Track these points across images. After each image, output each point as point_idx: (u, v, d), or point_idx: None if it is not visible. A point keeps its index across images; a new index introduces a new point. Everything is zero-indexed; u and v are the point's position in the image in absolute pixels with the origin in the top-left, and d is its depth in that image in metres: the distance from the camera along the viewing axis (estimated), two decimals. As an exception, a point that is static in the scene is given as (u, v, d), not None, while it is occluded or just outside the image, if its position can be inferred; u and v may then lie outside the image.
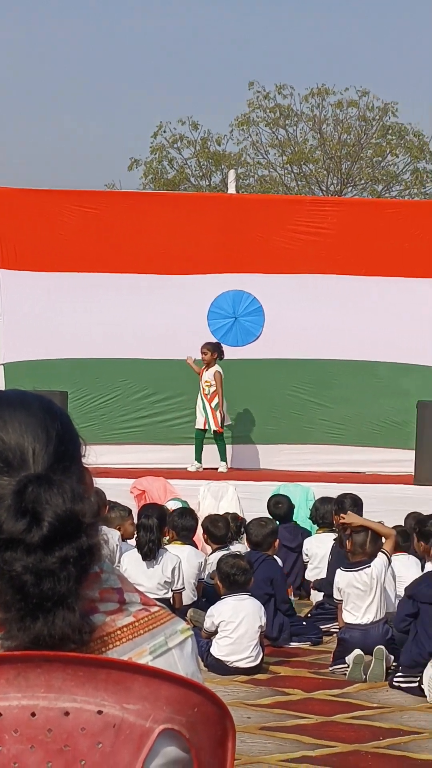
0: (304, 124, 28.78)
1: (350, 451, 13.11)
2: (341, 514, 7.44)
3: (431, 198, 27.99)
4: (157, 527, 7.32)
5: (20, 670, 1.34)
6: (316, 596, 8.50)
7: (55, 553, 1.37)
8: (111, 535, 7.93)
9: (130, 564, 7.29)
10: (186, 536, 8.16)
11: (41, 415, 1.49)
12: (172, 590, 7.41)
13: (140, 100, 45.96)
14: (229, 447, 12.63)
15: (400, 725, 5.73)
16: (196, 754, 1.41)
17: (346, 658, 6.76)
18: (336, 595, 7.08)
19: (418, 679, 6.33)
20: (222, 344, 12.65)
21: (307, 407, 13.33)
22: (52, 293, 13.20)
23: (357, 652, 6.70)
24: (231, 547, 8.47)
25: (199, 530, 8.81)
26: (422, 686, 6.29)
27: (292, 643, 7.53)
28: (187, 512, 8.46)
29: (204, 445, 12.35)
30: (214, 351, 12.34)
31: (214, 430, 12.20)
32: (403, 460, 12.21)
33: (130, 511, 8.90)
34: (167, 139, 29.11)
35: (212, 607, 6.86)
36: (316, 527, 9.26)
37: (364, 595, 6.92)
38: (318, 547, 8.78)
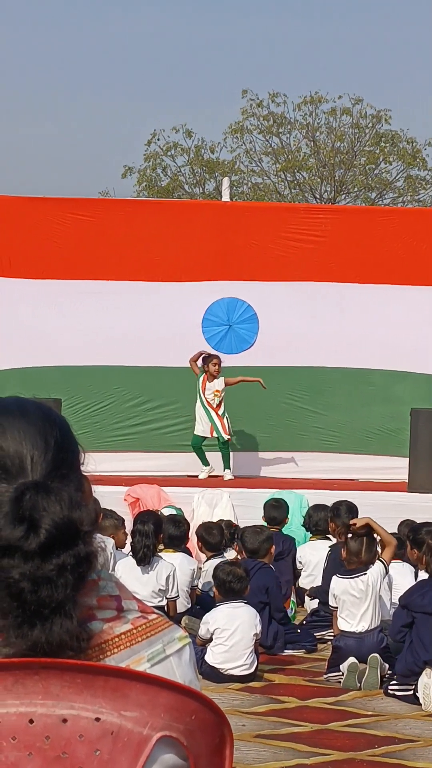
0: (297, 131, 28.86)
1: (344, 459, 13.13)
2: (353, 520, 7.39)
3: (425, 206, 28.06)
4: (153, 533, 7.31)
5: (18, 677, 1.34)
6: (311, 604, 8.49)
7: (53, 561, 1.37)
8: (107, 542, 7.92)
9: (124, 572, 7.28)
10: (177, 544, 8.16)
11: (40, 423, 1.49)
12: (166, 598, 7.41)
13: (134, 108, 46.07)
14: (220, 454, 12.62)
15: (395, 733, 5.73)
16: (194, 761, 1.41)
17: (341, 666, 6.75)
18: (331, 602, 7.07)
19: (413, 687, 6.33)
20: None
21: (302, 414, 13.35)
22: (45, 300, 13.22)
23: (352, 660, 6.69)
24: (225, 554, 8.47)
25: (194, 537, 8.81)
26: (417, 694, 6.29)
27: (286, 651, 7.52)
28: (177, 520, 8.45)
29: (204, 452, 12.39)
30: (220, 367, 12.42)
31: (224, 439, 12.23)
32: (397, 468, 12.23)
33: (123, 520, 8.91)
34: (161, 147, 29.18)
35: (207, 614, 6.86)
36: (309, 534, 9.26)
37: (359, 603, 6.92)
38: (312, 555, 8.78)
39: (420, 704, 6.24)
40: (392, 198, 29.23)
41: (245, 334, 13.36)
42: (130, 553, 7.57)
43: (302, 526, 9.46)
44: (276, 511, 9.34)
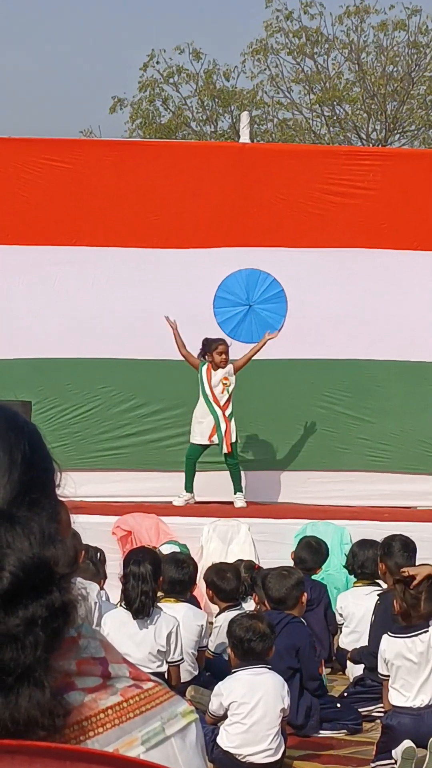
0: (337, 52, 28.85)
1: (398, 480, 13.13)
2: (404, 569, 7.38)
3: None
4: (152, 576, 7.32)
5: (-27, 765, 1.35)
6: (354, 670, 8.50)
7: (19, 613, 1.37)
8: (89, 589, 7.95)
9: (113, 627, 7.30)
10: (179, 592, 8.17)
11: (4, 434, 1.51)
12: (167, 662, 7.42)
13: (126, 21, 46.10)
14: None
15: None
16: None
17: (393, 752, 6.75)
18: (381, 669, 7.08)
19: None
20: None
21: (342, 422, 13.35)
22: (10, 273, 13.25)
23: (407, 743, 6.70)
24: (244, 605, 8.47)
25: (202, 583, 8.81)
26: None
27: (322, 732, 7.53)
28: (179, 560, 8.47)
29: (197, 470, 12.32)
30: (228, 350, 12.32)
31: (224, 451, 12.13)
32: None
33: (103, 558, 8.97)
34: (161, 72, 29.22)
35: (220, 683, 6.87)
36: (353, 579, 9.27)
37: (417, 670, 6.92)
38: (356, 605, 8.78)
39: None
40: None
41: (269, 317, 13.35)
42: (121, 604, 7.58)
43: (344, 567, 9.46)
44: (309, 553, 9.34)
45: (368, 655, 7.86)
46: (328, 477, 13.20)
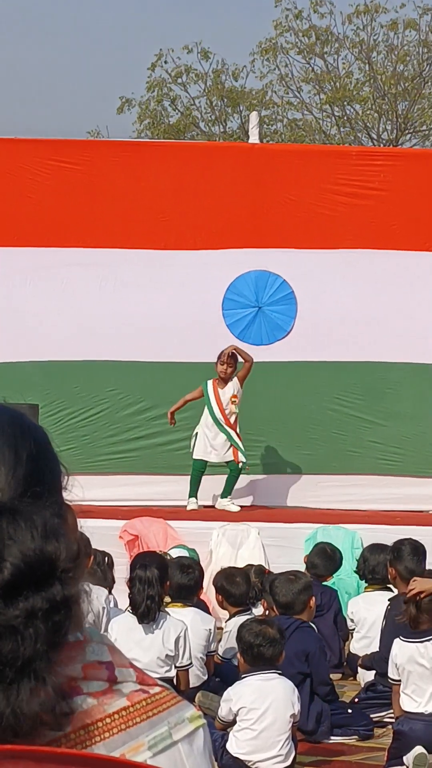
0: (348, 51, 28.85)
1: (410, 484, 13.11)
2: (411, 587, 7.35)
3: None
4: (158, 580, 7.33)
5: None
6: (365, 675, 8.49)
7: (19, 605, 1.37)
8: (97, 593, 7.94)
9: (120, 632, 7.30)
10: (186, 596, 8.18)
11: (9, 431, 1.52)
12: (175, 667, 7.42)
13: (134, 21, 46.14)
14: (249, 477, 12.64)
15: None
16: None
17: (405, 758, 6.75)
18: (392, 674, 7.07)
19: None
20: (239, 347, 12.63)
21: (354, 425, 13.34)
22: (18, 275, 13.27)
23: (419, 749, 6.69)
24: (254, 610, 8.47)
25: (211, 588, 8.81)
26: None
27: (333, 738, 7.53)
28: (185, 564, 8.47)
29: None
30: (234, 363, 12.30)
31: (235, 464, 12.19)
32: None
33: (111, 562, 8.99)
34: (169, 72, 29.22)
35: (230, 689, 6.86)
36: (364, 584, 9.27)
37: (430, 675, 6.91)
38: (367, 610, 8.78)
39: None
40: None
41: (279, 319, 13.35)
42: (128, 609, 7.59)
43: (355, 572, 9.46)
44: (322, 559, 9.34)
45: (380, 660, 7.85)
46: (339, 480, 13.18)
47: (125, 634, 7.29)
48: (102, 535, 9.93)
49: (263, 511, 12.21)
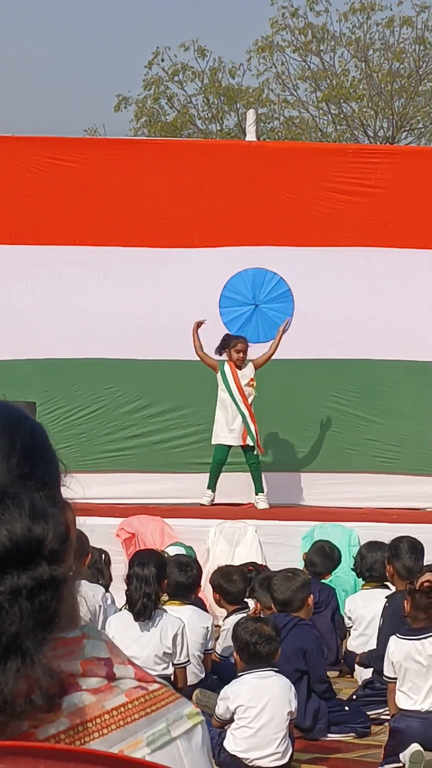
0: (344, 49, 28.84)
1: (407, 482, 13.11)
2: (424, 574, 7.35)
3: None
4: (155, 578, 7.33)
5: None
6: (363, 673, 8.49)
7: (6, 581, 1.38)
8: (94, 591, 7.95)
9: (118, 630, 7.30)
10: (184, 594, 8.17)
11: (6, 422, 1.53)
12: (173, 664, 7.42)
13: (130, 19, 46.12)
14: (246, 475, 12.63)
15: None
16: None
17: (401, 755, 6.74)
18: (388, 672, 7.07)
19: None
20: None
21: (351, 423, 13.33)
22: (15, 273, 13.25)
23: (415, 747, 6.69)
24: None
25: (209, 586, 8.81)
26: None
27: (330, 735, 7.53)
28: (183, 562, 8.47)
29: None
30: (247, 350, 12.29)
31: (256, 453, 12.17)
32: None
33: (108, 559, 8.98)
34: (166, 70, 29.22)
35: (227, 687, 6.86)
36: (361, 581, 9.27)
37: (426, 673, 6.90)
38: (365, 608, 8.78)
39: None
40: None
41: (276, 317, 13.34)
42: (126, 606, 7.59)
43: (352, 570, 9.46)
44: (321, 557, 9.34)
45: (377, 658, 7.85)
46: (336, 478, 13.18)
47: (122, 631, 7.29)
48: (99, 533, 9.92)
49: (260, 510, 12.19)
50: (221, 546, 10.85)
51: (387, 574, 8.54)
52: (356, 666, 8.74)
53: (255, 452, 12.22)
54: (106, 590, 8.52)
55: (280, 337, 12.40)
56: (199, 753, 1.50)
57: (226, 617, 8.49)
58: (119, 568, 8.80)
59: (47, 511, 1.44)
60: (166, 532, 11.06)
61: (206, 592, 9.23)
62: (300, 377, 13.16)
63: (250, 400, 12.18)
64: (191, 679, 7.73)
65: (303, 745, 7.18)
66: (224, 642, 8.37)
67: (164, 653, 7.37)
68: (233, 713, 6.74)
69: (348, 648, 9.01)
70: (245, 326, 13.28)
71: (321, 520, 11.27)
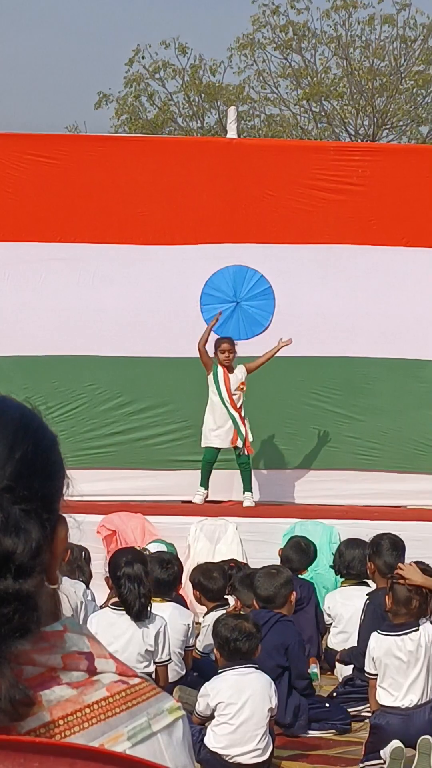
0: (325, 47, 28.86)
1: (387, 479, 13.13)
2: (399, 564, 7.37)
3: None
4: (146, 577, 7.30)
5: None
6: (343, 670, 8.50)
7: None
8: (75, 588, 7.93)
9: (101, 628, 7.28)
10: (165, 591, 8.17)
11: (11, 429, 1.52)
12: (154, 662, 7.41)
13: (111, 16, 46.05)
14: (227, 473, 12.62)
15: None
16: None
17: (382, 752, 6.75)
18: (369, 668, 7.07)
19: None
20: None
21: (331, 420, 13.34)
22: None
23: (396, 743, 6.70)
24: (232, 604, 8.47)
25: (189, 583, 8.81)
26: None
27: (311, 732, 7.54)
28: (164, 559, 8.47)
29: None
30: (234, 347, 12.26)
31: (245, 456, 12.16)
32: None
33: (88, 557, 8.98)
34: (146, 68, 29.19)
35: (207, 684, 6.86)
36: (340, 579, 9.28)
37: (407, 669, 6.91)
38: (344, 605, 8.79)
39: None
40: (451, 134, 29.27)
41: (257, 314, 13.35)
42: (108, 604, 7.58)
43: (331, 567, 9.47)
44: (296, 553, 9.35)
45: (358, 655, 7.86)
46: (317, 476, 13.20)
47: (105, 629, 7.28)
48: (79, 529, 9.91)
49: (241, 506, 12.20)
50: (202, 543, 10.86)
51: (368, 571, 8.55)
52: (336, 663, 8.75)
53: (244, 455, 12.22)
54: (87, 587, 8.52)
55: (278, 350, 12.37)
56: (180, 747, 1.50)
57: (206, 614, 8.50)
58: (99, 565, 8.80)
59: (21, 525, 1.43)
60: (147, 529, 11.06)
61: (187, 589, 9.23)
62: (281, 375, 13.15)
63: (239, 403, 12.17)
64: (172, 677, 7.73)
65: (283, 742, 7.19)
66: (204, 639, 8.37)
67: (146, 651, 7.36)
68: (213, 710, 6.74)
69: (328, 645, 9.02)
70: (226, 324, 13.26)
71: (302, 517, 11.28)
